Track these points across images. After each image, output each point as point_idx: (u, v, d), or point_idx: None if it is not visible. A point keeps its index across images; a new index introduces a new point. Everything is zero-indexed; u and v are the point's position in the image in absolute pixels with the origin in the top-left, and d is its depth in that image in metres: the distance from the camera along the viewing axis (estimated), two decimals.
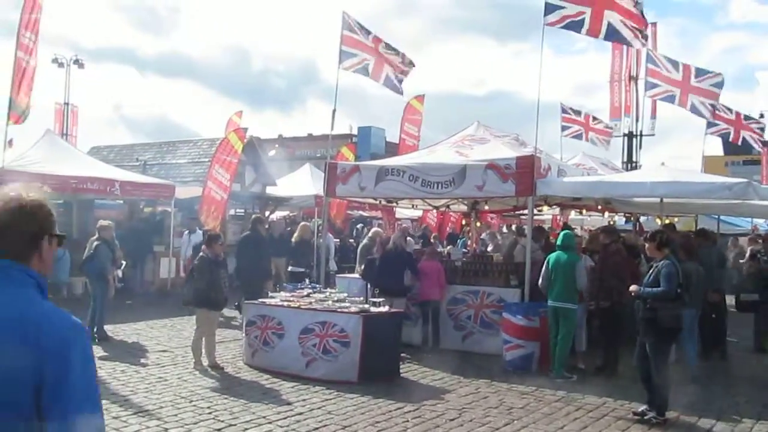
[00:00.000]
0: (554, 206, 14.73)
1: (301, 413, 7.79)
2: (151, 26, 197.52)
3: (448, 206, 16.20)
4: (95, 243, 12.07)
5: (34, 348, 2.07)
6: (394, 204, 15.56)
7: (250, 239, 13.36)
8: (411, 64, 13.95)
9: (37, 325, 2.11)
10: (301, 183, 23.82)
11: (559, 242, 10.12)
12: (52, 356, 2.08)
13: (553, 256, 9.97)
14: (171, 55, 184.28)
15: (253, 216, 16.34)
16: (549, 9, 11.47)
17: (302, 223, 17.28)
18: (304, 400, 8.34)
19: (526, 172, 10.80)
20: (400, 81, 13.75)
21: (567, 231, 10.96)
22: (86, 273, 12.48)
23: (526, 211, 12.58)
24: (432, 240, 15.79)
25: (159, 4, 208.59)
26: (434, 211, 18.37)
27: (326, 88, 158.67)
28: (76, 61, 36.23)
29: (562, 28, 11.66)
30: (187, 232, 16.98)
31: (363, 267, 12.62)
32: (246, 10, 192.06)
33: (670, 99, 15.92)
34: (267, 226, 15.24)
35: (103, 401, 7.62)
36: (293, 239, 15.78)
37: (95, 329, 11.85)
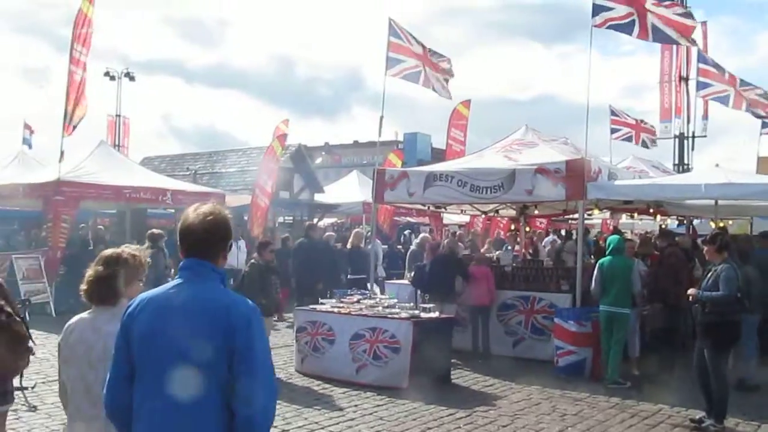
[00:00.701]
0: (605, 210, 14.54)
1: (352, 419, 7.82)
2: (198, 38, 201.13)
3: (497, 211, 16.10)
4: (150, 251, 12.26)
5: (226, 323, 2.80)
6: (442, 209, 15.52)
7: (303, 246, 13.48)
8: (450, 70, 13.95)
9: (227, 307, 2.85)
10: (349, 190, 23.99)
11: (610, 246, 9.97)
12: (239, 330, 2.79)
13: (605, 260, 9.82)
14: (218, 66, 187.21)
15: (307, 223, 16.55)
16: (596, 10, 11.33)
17: (356, 230, 17.39)
18: (355, 405, 8.37)
19: (576, 175, 10.66)
20: (446, 83, 13.73)
21: (617, 235, 10.81)
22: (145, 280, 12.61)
23: (575, 215, 12.45)
24: (487, 245, 15.65)
25: (207, 16, 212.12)
26: (482, 216, 18.27)
27: (371, 95, 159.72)
28: (127, 74, 36.87)
29: (611, 29, 11.53)
30: None
31: (413, 273, 12.61)
32: (291, 20, 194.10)
33: (724, 100, 15.60)
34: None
35: None
36: (348, 246, 15.91)
37: None
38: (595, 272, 9.81)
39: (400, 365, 9.16)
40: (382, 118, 13.60)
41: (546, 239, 20.63)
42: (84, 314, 3.76)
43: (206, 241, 2.97)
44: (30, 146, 24.42)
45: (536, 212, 15.97)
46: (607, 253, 9.99)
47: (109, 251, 3.82)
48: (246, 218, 19.24)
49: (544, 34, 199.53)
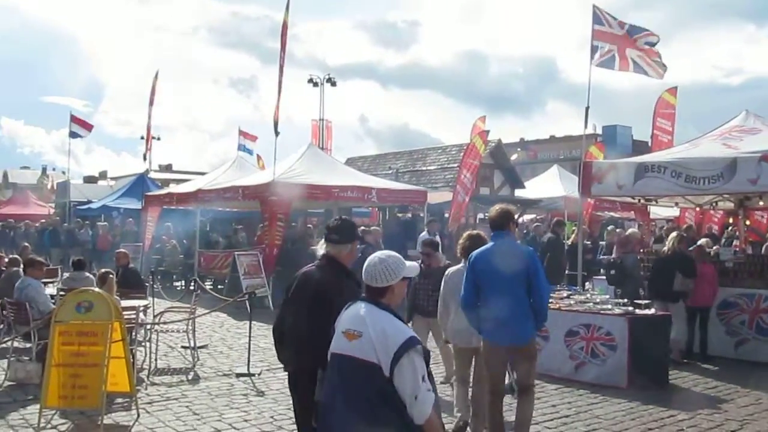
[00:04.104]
0: None
1: (567, 416, 7.72)
2: (391, 41, 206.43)
3: (714, 203, 15.11)
4: (361, 247, 12.77)
5: (527, 259, 6.13)
6: (652, 202, 14.83)
7: (552, 242, 14.53)
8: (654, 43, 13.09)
9: (524, 252, 6.31)
10: (549, 185, 23.61)
11: None
12: (531, 264, 6.09)
13: None
14: (411, 67, 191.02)
15: (555, 219, 16.61)
16: None
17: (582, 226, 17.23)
18: (569, 403, 8.24)
19: None
20: (658, 63, 12.93)
21: None
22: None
23: None
24: (724, 237, 14.78)
25: (398, 19, 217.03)
26: (694, 209, 17.25)
27: (566, 87, 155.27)
28: (329, 80, 38.54)
29: None
30: (426, 232, 17.40)
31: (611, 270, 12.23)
32: (479, 16, 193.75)
33: None
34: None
35: None
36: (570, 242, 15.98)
37: None
38: None
39: (618, 363, 8.92)
40: (587, 109, 13.13)
41: None
42: (459, 266, 7.00)
43: (500, 221, 6.27)
44: (250, 152, 26.11)
45: (761, 203, 14.80)
46: None
47: (467, 233, 7.13)
48: (447, 215, 19.52)
49: (753, 13, 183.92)
